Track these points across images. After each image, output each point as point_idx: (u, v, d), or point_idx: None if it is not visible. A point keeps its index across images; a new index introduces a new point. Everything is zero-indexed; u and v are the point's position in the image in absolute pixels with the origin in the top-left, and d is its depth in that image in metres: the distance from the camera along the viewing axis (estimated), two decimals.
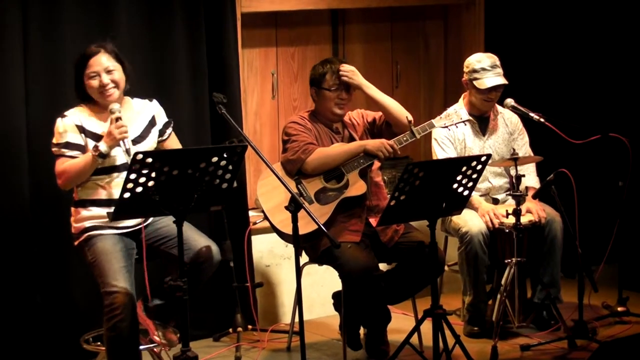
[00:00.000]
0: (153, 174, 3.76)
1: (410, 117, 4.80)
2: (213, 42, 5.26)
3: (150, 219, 4.30)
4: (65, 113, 4.22)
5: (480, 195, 5.24)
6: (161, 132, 4.39)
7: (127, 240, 4.23)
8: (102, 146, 4.09)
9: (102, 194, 4.20)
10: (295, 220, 3.98)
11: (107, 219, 4.09)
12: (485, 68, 5.17)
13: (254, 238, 5.46)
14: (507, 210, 4.98)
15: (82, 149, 4.18)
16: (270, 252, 5.60)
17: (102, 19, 4.93)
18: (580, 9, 6.39)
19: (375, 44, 6.28)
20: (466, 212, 4.88)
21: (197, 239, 4.24)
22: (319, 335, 5.33)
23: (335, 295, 4.95)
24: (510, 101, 5.33)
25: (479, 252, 5.05)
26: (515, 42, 6.23)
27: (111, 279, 4.05)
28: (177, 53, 5.16)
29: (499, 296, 4.96)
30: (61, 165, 4.17)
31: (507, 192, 5.24)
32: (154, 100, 4.43)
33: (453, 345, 4.36)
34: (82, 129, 4.19)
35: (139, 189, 3.78)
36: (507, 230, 5.00)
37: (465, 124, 5.04)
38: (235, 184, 4.06)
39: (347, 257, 4.58)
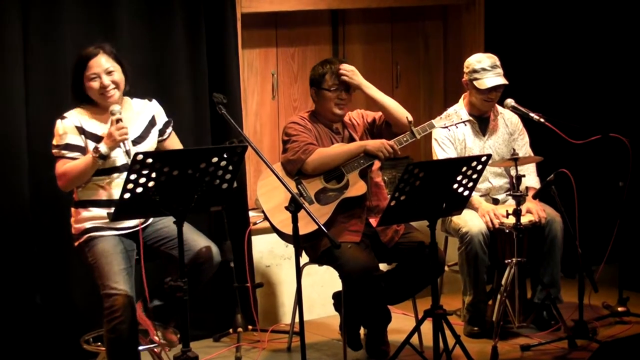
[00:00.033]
0: (153, 175, 3.76)
1: (411, 117, 4.80)
2: (213, 42, 5.26)
3: (150, 220, 4.30)
4: (65, 114, 4.21)
5: (481, 196, 5.24)
6: (161, 132, 4.39)
7: (127, 241, 4.22)
8: (103, 147, 4.09)
9: (103, 195, 4.20)
10: (295, 221, 3.97)
11: (107, 220, 4.09)
12: (485, 68, 5.17)
13: (254, 238, 5.46)
14: (507, 211, 4.98)
15: (83, 150, 4.17)
16: (270, 253, 5.60)
17: (102, 19, 4.93)
18: (580, 9, 6.39)
19: (375, 45, 6.28)
20: (466, 213, 4.88)
21: (197, 239, 4.24)
22: (319, 336, 5.33)
23: (336, 296, 4.95)
24: (510, 101, 5.33)
25: (479, 252, 5.05)
26: (515, 42, 6.23)
27: (111, 281, 4.05)
28: (177, 53, 5.15)
29: (499, 296, 4.96)
30: (61, 167, 4.17)
31: (508, 193, 5.24)
32: (154, 100, 4.42)
33: (453, 346, 4.36)
34: (82, 131, 4.18)
35: (139, 190, 3.77)
36: (507, 231, 5.00)
37: (466, 124, 5.04)
38: (235, 185, 4.06)
39: (348, 257, 4.58)
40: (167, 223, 4.24)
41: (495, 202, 5.20)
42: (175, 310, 4.17)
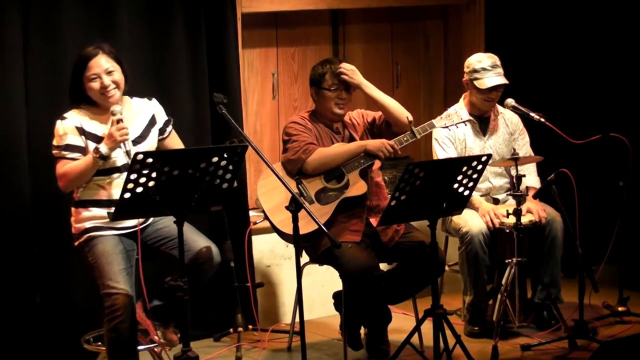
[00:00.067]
0: (153, 174, 3.76)
1: (411, 117, 4.80)
2: (213, 42, 5.26)
3: (151, 220, 4.30)
4: (65, 115, 4.20)
5: (481, 195, 5.24)
6: (161, 131, 4.39)
7: (127, 241, 4.22)
8: (103, 148, 4.08)
9: (103, 195, 4.19)
10: (295, 220, 3.97)
11: (107, 220, 4.08)
12: (485, 68, 5.17)
13: (254, 238, 5.46)
14: (507, 210, 4.98)
15: (83, 150, 4.17)
16: (270, 252, 5.60)
17: (102, 19, 4.93)
18: (580, 8, 6.39)
19: (376, 45, 6.28)
20: (467, 212, 4.88)
21: (197, 240, 4.24)
22: (320, 335, 5.33)
23: (336, 295, 4.95)
24: (510, 101, 5.33)
25: (479, 252, 5.05)
26: (515, 42, 6.23)
27: (111, 281, 4.05)
28: (177, 53, 5.15)
29: (499, 296, 4.96)
30: (62, 167, 4.16)
31: (508, 192, 5.24)
32: (153, 99, 4.42)
33: (453, 345, 4.36)
34: (82, 131, 4.18)
35: (140, 189, 3.77)
36: (507, 230, 4.99)
37: (466, 124, 5.04)
38: (235, 184, 4.06)
39: (348, 257, 4.58)
40: (167, 223, 4.24)
41: (496, 201, 5.20)
42: (175, 310, 4.17)
